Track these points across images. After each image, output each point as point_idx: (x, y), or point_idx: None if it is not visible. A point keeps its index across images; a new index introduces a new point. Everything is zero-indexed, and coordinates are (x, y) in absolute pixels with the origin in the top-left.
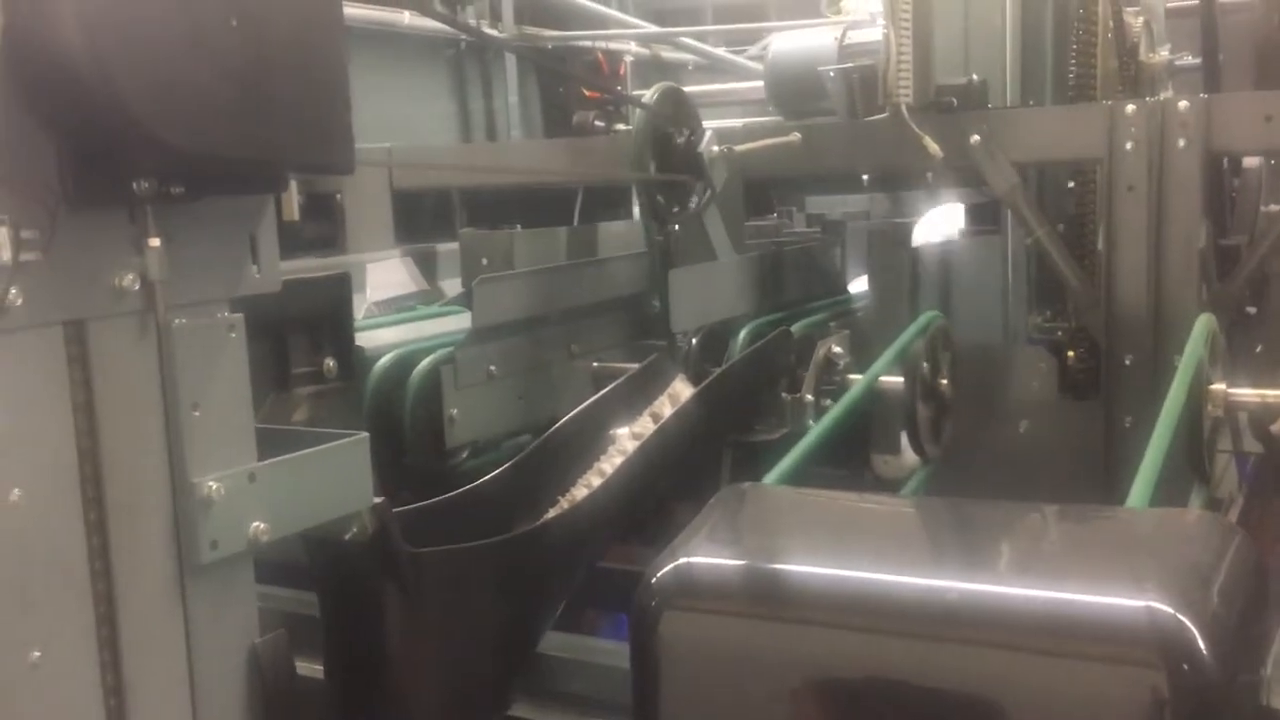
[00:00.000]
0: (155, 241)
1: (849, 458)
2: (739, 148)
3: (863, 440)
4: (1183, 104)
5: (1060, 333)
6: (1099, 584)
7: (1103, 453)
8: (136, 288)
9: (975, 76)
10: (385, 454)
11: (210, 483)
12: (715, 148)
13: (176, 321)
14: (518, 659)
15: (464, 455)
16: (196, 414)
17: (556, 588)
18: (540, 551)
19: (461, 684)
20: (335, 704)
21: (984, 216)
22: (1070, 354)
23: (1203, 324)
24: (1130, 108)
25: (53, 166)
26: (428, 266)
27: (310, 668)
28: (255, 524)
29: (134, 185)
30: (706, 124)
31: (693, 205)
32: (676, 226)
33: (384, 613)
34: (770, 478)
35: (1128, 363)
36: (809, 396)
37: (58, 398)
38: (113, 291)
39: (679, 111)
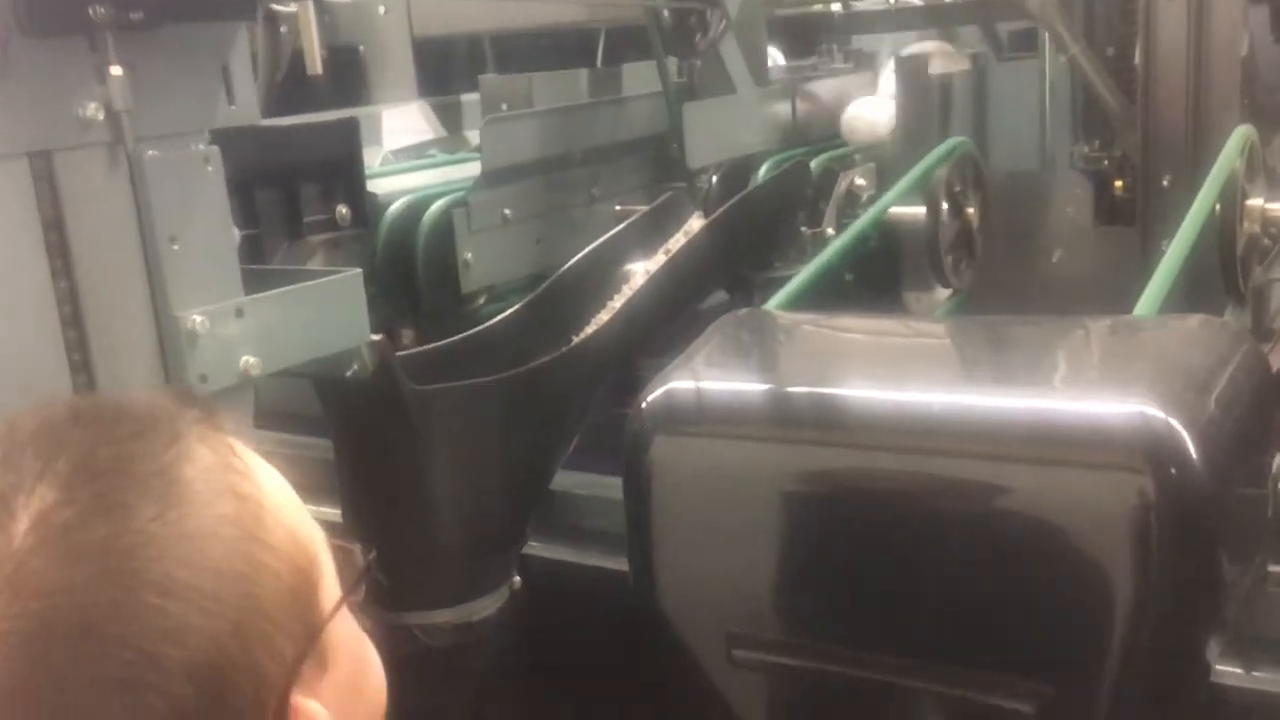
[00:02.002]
0: (117, 69)
1: (882, 297)
2: None
3: (895, 278)
4: None
5: (1107, 161)
6: (1087, 389)
7: (1139, 280)
8: (101, 117)
9: None
10: (402, 301)
11: (195, 316)
12: None
13: (148, 153)
14: (531, 496)
15: (481, 301)
16: (175, 247)
17: (567, 424)
18: (548, 388)
19: (474, 520)
20: (353, 540)
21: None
22: (1118, 183)
23: (1240, 135)
24: None
25: None
26: (452, 116)
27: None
28: (245, 358)
29: (90, 10)
30: None
31: (709, 36)
32: (698, 62)
33: (393, 450)
34: (772, 303)
35: (1165, 184)
36: (830, 230)
37: (28, 232)
38: (78, 122)
39: None
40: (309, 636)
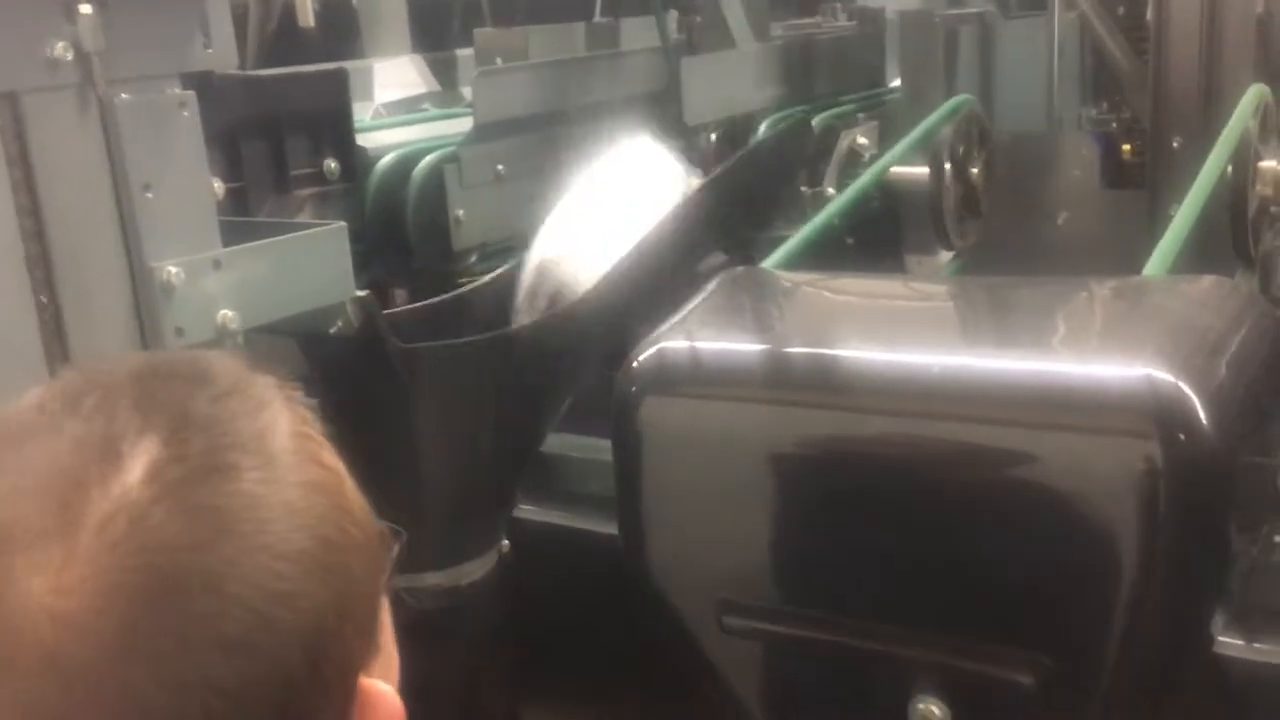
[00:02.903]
0: (86, 8)
1: (883, 260)
2: None
3: (896, 242)
4: None
5: (1115, 124)
6: (1093, 352)
7: (1147, 244)
8: (70, 58)
9: None
10: (392, 258)
11: (170, 267)
12: None
13: (120, 96)
14: (520, 458)
15: (473, 259)
16: (149, 195)
17: (559, 386)
18: (539, 348)
19: (463, 483)
20: None
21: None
22: (1126, 147)
23: (1253, 94)
24: None
25: None
26: (448, 71)
27: None
28: (223, 312)
29: None
30: None
31: None
32: (698, 17)
33: (379, 410)
34: (768, 263)
35: (1175, 145)
36: (830, 190)
37: None
38: (46, 63)
39: None
40: (376, 613)
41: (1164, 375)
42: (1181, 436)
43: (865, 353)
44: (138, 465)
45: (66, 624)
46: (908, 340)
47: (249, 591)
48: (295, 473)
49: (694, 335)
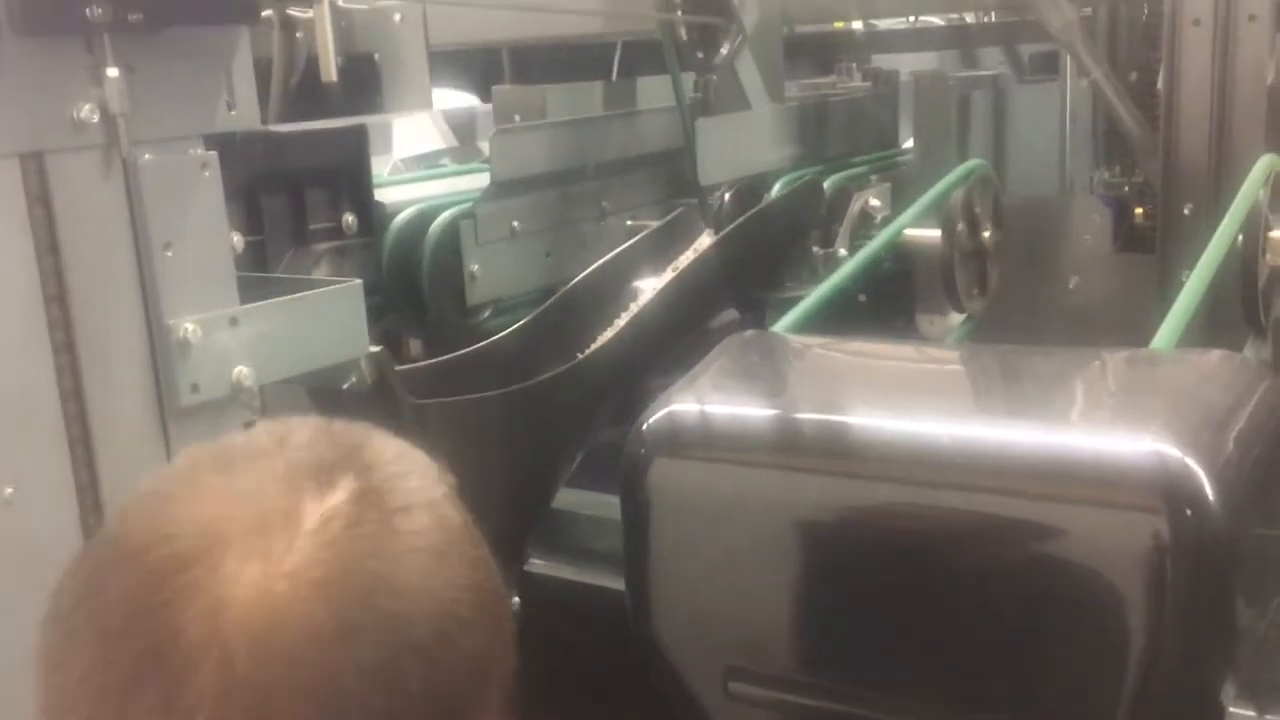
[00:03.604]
0: (113, 71)
1: (895, 318)
2: None
3: (909, 300)
4: None
5: (1128, 188)
6: (1102, 425)
7: (1157, 310)
8: (96, 119)
9: None
10: (408, 312)
11: (187, 325)
12: None
13: (144, 157)
14: (531, 514)
15: (487, 314)
16: (169, 254)
17: (570, 442)
18: (551, 404)
19: None
20: None
21: (1048, 66)
22: (1138, 211)
23: (1264, 164)
24: None
25: None
26: (466, 127)
27: None
28: (238, 369)
29: (87, 11)
30: None
31: (724, 52)
32: (714, 77)
33: None
34: (778, 325)
35: (1186, 212)
36: (842, 251)
37: (19, 234)
38: (72, 124)
39: None
40: (511, 673)
41: (1172, 451)
42: (1188, 512)
43: (874, 420)
44: (346, 488)
45: (277, 605)
46: (916, 408)
47: (436, 610)
48: (465, 533)
49: (704, 398)
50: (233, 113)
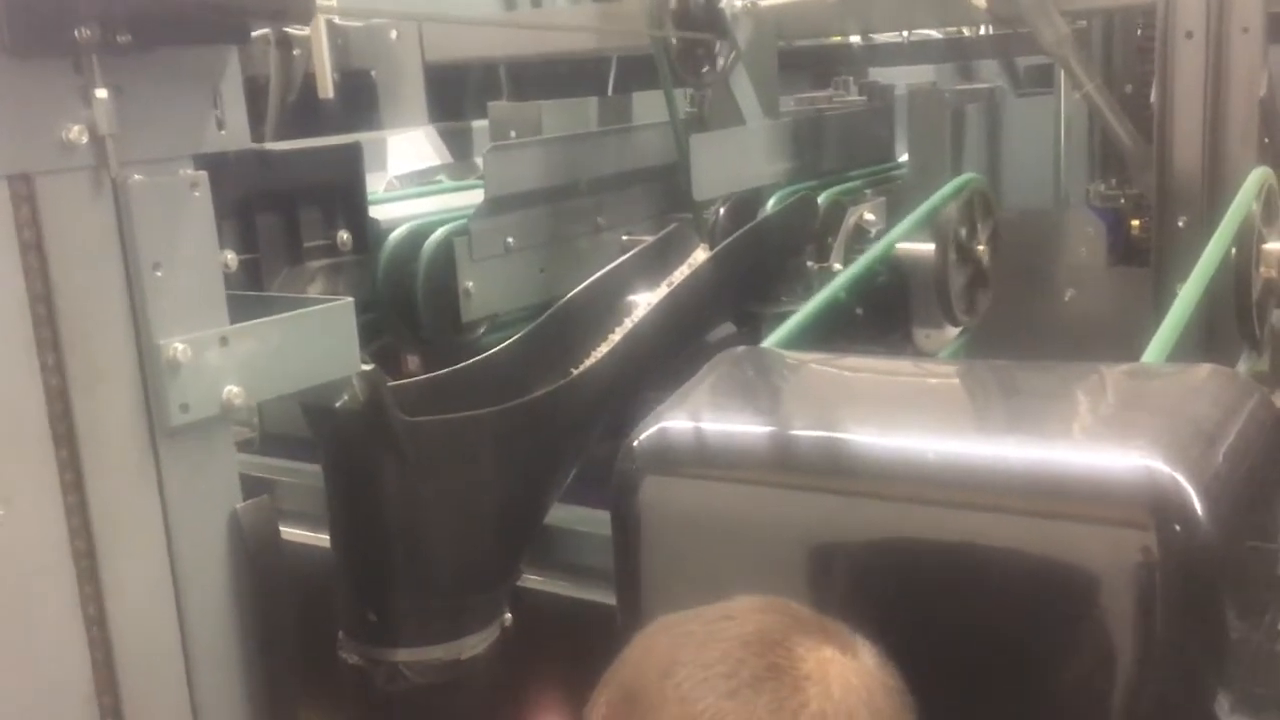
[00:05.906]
0: (102, 93)
1: (891, 333)
2: (764, 2)
3: (905, 314)
4: None
5: (1123, 200)
6: (1092, 440)
7: (1152, 323)
8: (85, 140)
9: None
10: (402, 328)
11: (177, 344)
12: (738, 2)
13: (133, 178)
14: (524, 531)
15: (481, 330)
16: (159, 274)
17: (563, 458)
18: (544, 421)
19: (465, 556)
20: (342, 574)
21: (1044, 78)
22: (1134, 223)
23: (1257, 177)
24: None
25: None
26: (463, 143)
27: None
28: (228, 388)
29: (75, 32)
30: None
31: (718, 67)
32: (708, 92)
33: (383, 482)
34: (770, 341)
35: (1180, 225)
36: (837, 265)
37: (8, 255)
38: (61, 145)
39: None
40: None
41: (1161, 466)
42: (1177, 527)
43: (864, 436)
44: (834, 644)
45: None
46: (907, 424)
47: None
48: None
49: (696, 415)
50: (222, 132)
